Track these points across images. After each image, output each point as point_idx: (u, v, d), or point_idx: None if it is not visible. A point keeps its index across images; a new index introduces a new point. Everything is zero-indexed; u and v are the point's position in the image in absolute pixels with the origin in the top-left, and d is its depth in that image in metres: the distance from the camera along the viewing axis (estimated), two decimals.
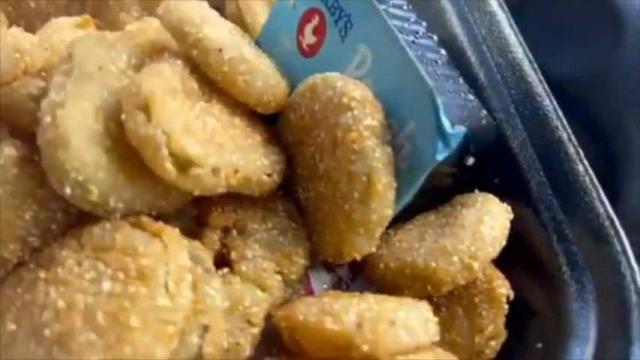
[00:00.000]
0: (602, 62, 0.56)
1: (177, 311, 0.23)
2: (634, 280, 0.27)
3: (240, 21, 0.41)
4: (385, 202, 0.29)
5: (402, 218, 0.33)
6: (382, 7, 0.34)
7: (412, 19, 0.36)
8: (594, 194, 0.30)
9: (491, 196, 0.32)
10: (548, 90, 0.34)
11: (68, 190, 0.25)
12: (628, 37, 0.55)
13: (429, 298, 0.29)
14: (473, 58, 0.36)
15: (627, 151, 0.55)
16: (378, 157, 0.28)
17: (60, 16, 0.39)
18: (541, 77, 0.34)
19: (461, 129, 0.28)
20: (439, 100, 0.28)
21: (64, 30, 0.35)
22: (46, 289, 0.25)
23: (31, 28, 0.38)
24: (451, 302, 0.31)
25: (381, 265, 0.31)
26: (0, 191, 0.26)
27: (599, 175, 0.58)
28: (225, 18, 0.38)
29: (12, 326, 0.25)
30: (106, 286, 0.24)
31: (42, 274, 0.26)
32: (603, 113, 0.56)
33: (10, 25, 0.38)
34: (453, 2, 0.38)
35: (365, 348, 0.25)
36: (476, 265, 0.28)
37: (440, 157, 0.28)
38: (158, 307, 0.23)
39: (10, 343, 0.25)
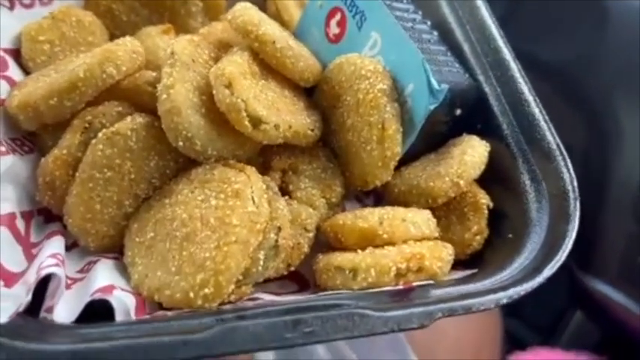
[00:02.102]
0: (591, 48, 0.65)
1: (261, 215, 0.35)
2: (572, 184, 0.38)
3: (278, 18, 0.52)
4: (395, 142, 0.40)
5: (412, 159, 0.45)
6: (387, 1, 0.46)
7: (411, 10, 0.47)
8: (546, 128, 0.41)
9: (474, 136, 0.43)
10: (514, 56, 0.45)
11: (181, 143, 0.37)
12: (611, 24, 0.64)
13: (433, 211, 0.41)
14: (459, 35, 0.47)
15: (616, 128, 0.63)
16: (389, 110, 0.40)
17: (145, 24, 0.50)
18: (509, 47, 0.45)
19: (445, 86, 0.39)
20: (428, 67, 0.39)
21: (154, 36, 0.47)
22: (172, 209, 0.37)
23: (124, 35, 0.50)
24: (448, 213, 0.42)
25: (396, 190, 0.43)
26: (134, 147, 0.38)
27: (590, 147, 0.65)
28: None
29: (151, 234, 0.37)
30: (213, 202, 0.36)
31: (166, 201, 0.38)
32: (593, 93, 0.65)
33: (109, 34, 0.50)
34: None
35: (385, 236, 0.37)
36: (462, 182, 0.40)
37: (431, 107, 0.39)
38: (249, 212, 0.35)
39: (152, 244, 0.37)
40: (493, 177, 0.42)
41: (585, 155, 0.65)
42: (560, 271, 0.66)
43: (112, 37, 0.50)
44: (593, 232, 0.64)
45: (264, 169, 0.43)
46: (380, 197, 0.46)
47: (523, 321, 0.75)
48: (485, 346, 0.64)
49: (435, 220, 0.39)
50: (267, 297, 0.38)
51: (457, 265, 0.40)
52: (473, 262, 0.41)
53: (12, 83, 0.43)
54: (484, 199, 0.41)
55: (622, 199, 0.61)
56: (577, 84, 0.65)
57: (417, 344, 0.56)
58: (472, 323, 0.63)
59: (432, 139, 0.44)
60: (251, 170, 0.38)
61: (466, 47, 0.47)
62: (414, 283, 0.35)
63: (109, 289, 0.34)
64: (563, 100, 0.67)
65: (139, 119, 0.39)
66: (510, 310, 0.72)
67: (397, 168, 0.43)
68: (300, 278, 0.41)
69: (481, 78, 0.45)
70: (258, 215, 0.35)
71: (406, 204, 0.42)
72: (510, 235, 0.39)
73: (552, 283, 0.65)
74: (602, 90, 0.63)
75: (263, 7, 0.53)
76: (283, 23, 0.51)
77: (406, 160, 0.44)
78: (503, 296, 0.33)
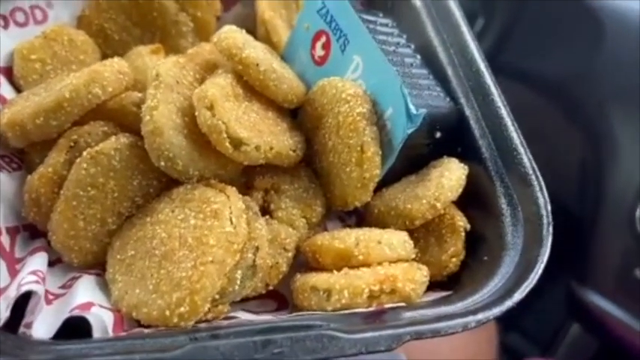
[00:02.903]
0: (588, 63, 0.65)
1: (239, 235, 0.36)
2: (546, 208, 0.39)
3: (268, 40, 0.53)
4: (374, 165, 0.41)
5: (393, 180, 0.46)
6: (371, 25, 0.47)
7: (395, 34, 0.48)
8: (523, 152, 0.41)
9: (453, 159, 0.43)
10: (495, 81, 0.45)
11: (162, 163, 0.38)
12: (607, 40, 0.65)
13: (411, 233, 0.42)
14: (442, 58, 0.48)
15: (612, 142, 0.64)
16: (367, 133, 0.41)
17: (136, 43, 0.51)
18: (490, 72, 0.46)
19: (422, 110, 0.40)
20: (406, 91, 0.40)
21: (144, 56, 0.48)
22: (152, 228, 0.38)
23: (116, 54, 0.51)
24: (426, 235, 0.43)
25: (375, 210, 0.43)
26: (118, 166, 0.39)
27: (586, 161, 0.66)
28: (256, 39, 0.51)
29: (132, 252, 0.38)
30: (192, 221, 0.37)
31: (148, 219, 0.39)
32: (589, 107, 0.65)
33: (101, 53, 0.51)
34: (429, 18, 0.51)
35: (361, 258, 0.37)
36: (438, 205, 0.40)
37: (409, 130, 0.40)
38: (226, 233, 0.36)
39: (132, 262, 0.38)
40: (472, 199, 0.42)
41: (581, 169, 0.66)
42: (558, 284, 0.67)
43: (104, 56, 0.51)
44: (590, 245, 0.64)
45: (246, 189, 0.43)
46: (362, 217, 0.47)
47: (521, 334, 0.76)
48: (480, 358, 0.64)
49: (411, 242, 0.40)
50: (245, 316, 0.38)
51: (435, 286, 0.41)
52: (450, 283, 0.41)
53: (3, 101, 0.44)
54: (461, 222, 0.42)
55: (618, 212, 0.61)
56: (573, 98, 0.66)
57: (412, 356, 0.57)
58: (467, 336, 0.63)
59: (413, 160, 0.45)
60: (231, 190, 0.39)
61: (449, 70, 0.47)
62: (387, 305, 0.36)
63: (88, 306, 0.35)
64: (559, 114, 0.68)
65: (123, 139, 0.39)
66: (509, 323, 0.73)
67: (379, 188, 0.44)
68: (279, 297, 0.42)
69: (463, 101, 0.46)
70: (236, 235, 0.36)
71: (385, 225, 0.42)
72: (486, 258, 0.40)
73: (550, 296, 0.65)
74: (598, 104, 0.64)
75: (254, 29, 0.54)
76: (272, 45, 0.52)
77: (388, 180, 0.44)
78: (472, 320, 0.34)
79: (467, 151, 0.44)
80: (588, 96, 0.65)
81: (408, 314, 0.35)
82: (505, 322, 0.70)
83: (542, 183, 0.40)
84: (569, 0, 0.67)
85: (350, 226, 0.47)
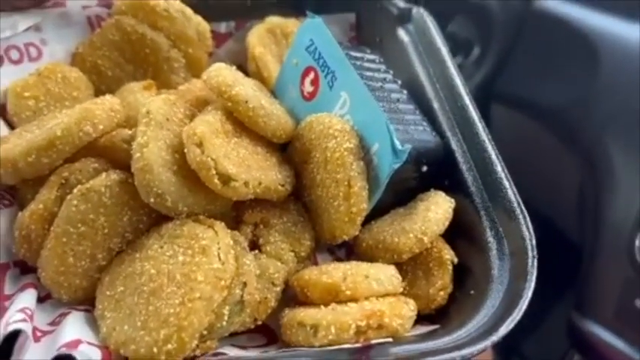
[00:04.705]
0: (584, 90, 0.66)
1: (227, 271, 0.36)
2: (531, 242, 0.39)
3: (259, 75, 0.54)
4: (361, 199, 0.41)
5: (382, 213, 0.46)
6: (358, 62, 0.48)
7: (382, 69, 0.49)
8: (508, 186, 0.42)
9: (439, 192, 0.44)
10: (479, 115, 0.46)
11: (152, 200, 0.39)
12: (604, 67, 0.66)
13: (400, 266, 0.42)
14: (429, 93, 0.49)
15: (609, 170, 0.64)
16: (354, 168, 0.41)
17: (129, 79, 0.52)
18: (475, 105, 0.47)
19: (408, 146, 0.41)
20: (392, 128, 0.41)
21: (136, 92, 0.49)
22: (141, 264, 0.39)
23: (109, 90, 0.52)
24: (414, 268, 0.43)
25: (364, 244, 0.44)
26: (108, 203, 0.40)
27: (584, 189, 0.65)
28: (247, 74, 0.52)
29: (121, 288, 0.39)
30: (181, 258, 0.37)
31: (137, 255, 0.39)
32: (586, 134, 0.66)
33: (95, 89, 0.52)
34: (416, 54, 0.52)
35: (348, 293, 0.38)
36: (425, 238, 0.41)
37: (395, 166, 0.41)
38: (214, 269, 0.36)
39: (121, 298, 0.38)
40: (459, 232, 0.43)
41: (580, 197, 0.66)
42: (559, 313, 0.66)
43: (98, 91, 0.52)
44: (589, 275, 0.64)
45: (236, 223, 0.44)
46: (352, 249, 0.47)
47: None
48: None
49: (399, 277, 0.40)
50: (233, 351, 0.38)
51: (424, 319, 0.41)
52: (438, 316, 0.41)
53: None
54: (448, 255, 0.42)
55: (616, 241, 0.61)
56: (571, 125, 0.66)
57: None
58: None
59: (402, 193, 0.46)
60: (219, 226, 0.39)
61: (435, 105, 0.48)
62: (374, 341, 0.36)
63: (75, 343, 0.35)
64: (557, 141, 0.68)
65: (113, 176, 0.40)
66: (512, 349, 0.72)
67: (368, 221, 0.44)
68: (268, 331, 0.42)
69: (449, 135, 0.46)
70: (224, 272, 0.36)
71: (374, 258, 0.43)
72: (472, 292, 0.40)
73: (551, 324, 0.65)
74: (596, 131, 0.64)
75: (245, 64, 0.55)
76: (263, 80, 0.53)
77: (376, 213, 0.45)
78: (457, 355, 0.34)
79: (453, 185, 0.45)
80: (585, 123, 0.65)
81: (395, 349, 0.35)
82: (508, 348, 0.70)
83: (527, 217, 0.40)
84: (565, 27, 0.68)
85: (340, 259, 0.47)
